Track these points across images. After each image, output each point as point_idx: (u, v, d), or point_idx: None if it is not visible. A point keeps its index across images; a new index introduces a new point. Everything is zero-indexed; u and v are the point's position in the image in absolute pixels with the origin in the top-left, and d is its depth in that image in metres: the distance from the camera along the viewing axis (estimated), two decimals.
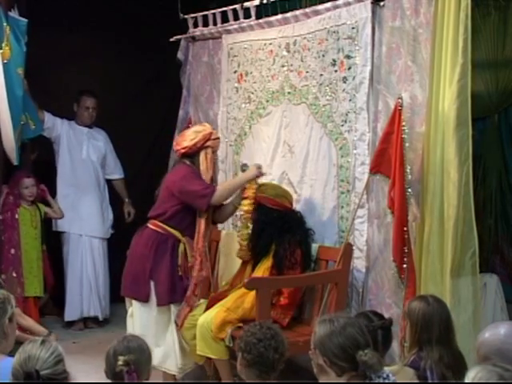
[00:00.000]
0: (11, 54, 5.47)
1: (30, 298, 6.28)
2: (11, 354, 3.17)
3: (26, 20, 5.63)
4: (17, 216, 6.23)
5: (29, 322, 4.68)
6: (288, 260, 5.01)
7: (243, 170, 5.26)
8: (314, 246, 5.23)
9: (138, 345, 3.04)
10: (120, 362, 2.87)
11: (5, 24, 5.46)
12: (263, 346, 3.05)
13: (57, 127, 6.63)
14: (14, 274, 6.12)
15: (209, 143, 5.03)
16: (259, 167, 5.16)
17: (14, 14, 5.66)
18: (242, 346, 3.11)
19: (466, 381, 2.47)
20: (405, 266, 4.53)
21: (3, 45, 5.44)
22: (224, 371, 4.90)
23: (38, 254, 6.35)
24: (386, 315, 4.04)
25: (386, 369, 2.96)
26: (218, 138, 5.18)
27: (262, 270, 5.04)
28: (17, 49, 5.49)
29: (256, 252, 5.11)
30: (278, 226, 5.05)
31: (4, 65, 5.43)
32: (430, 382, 3.34)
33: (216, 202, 4.98)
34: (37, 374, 2.62)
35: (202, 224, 4.99)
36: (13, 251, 6.16)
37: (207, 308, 5.03)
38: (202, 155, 5.02)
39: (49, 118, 6.49)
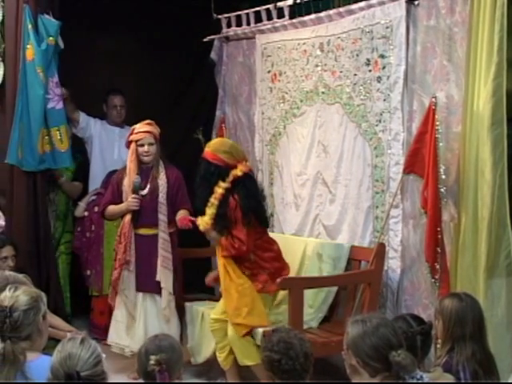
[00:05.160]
0: (34, 53, 5.53)
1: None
2: (43, 350, 3.21)
3: (57, 22, 5.67)
4: None
5: (57, 320, 4.73)
6: (224, 219, 4.92)
7: (134, 185, 5.38)
8: (347, 246, 5.22)
9: (169, 344, 3.03)
10: (152, 362, 2.86)
11: (29, 24, 5.52)
12: (285, 364, 3.02)
13: (90, 127, 6.65)
14: (96, 271, 6.37)
15: (131, 137, 5.50)
16: (134, 198, 5.36)
17: (49, 16, 5.71)
18: (269, 368, 3.10)
19: (510, 381, 2.44)
20: (438, 266, 4.50)
21: (28, 44, 5.52)
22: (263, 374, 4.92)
23: None
24: (423, 316, 4.02)
25: (426, 374, 2.93)
26: (142, 132, 5.46)
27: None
28: (37, 48, 5.54)
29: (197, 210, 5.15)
30: (214, 182, 4.93)
31: (27, 64, 5.51)
32: (465, 382, 3.31)
33: (108, 217, 5.67)
34: (77, 376, 2.62)
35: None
36: (95, 247, 6.40)
37: None
38: (130, 149, 5.51)
39: (83, 118, 6.53)
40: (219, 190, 4.89)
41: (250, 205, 4.89)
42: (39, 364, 2.99)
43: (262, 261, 4.99)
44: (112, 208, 5.52)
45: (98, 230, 6.42)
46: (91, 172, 6.74)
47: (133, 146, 5.47)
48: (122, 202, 5.46)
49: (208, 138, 5.27)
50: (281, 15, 6.05)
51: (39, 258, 5.82)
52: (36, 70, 5.54)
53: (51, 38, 5.63)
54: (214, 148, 5.02)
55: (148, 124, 5.51)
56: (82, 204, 6.46)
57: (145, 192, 5.41)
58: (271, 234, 5.94)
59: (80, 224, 6.49)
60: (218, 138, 6.43)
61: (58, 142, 5.79)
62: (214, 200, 4.91)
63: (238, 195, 4.88)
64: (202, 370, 5.42)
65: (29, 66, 5.55)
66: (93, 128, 6.68)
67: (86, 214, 6.44)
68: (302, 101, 5.86)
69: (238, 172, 4.92)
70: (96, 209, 6.43)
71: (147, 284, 5.36)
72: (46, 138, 5.70)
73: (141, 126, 5.50)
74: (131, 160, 5.45)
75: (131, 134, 5.51)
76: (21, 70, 5.58)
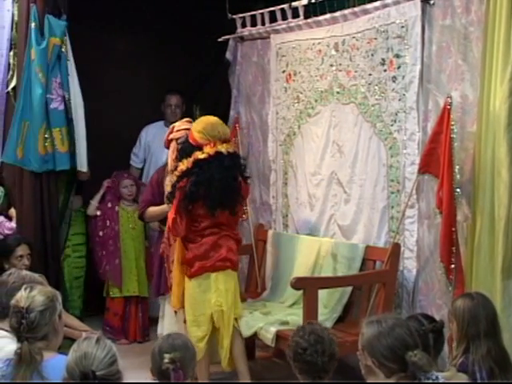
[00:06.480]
0: (35, 52, 5.54)
1: (133, 297, 6.43)
2: (59, 350, 3.22)
3: (64, 22, 5.67)
4: (117, 209, 6.45)
5: (72, 319, 4.74)
6: (172, 195, 4.96)
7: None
8: (362, 246, 5.21)
9: (182, 342, 3.05)
10: (166, 360, 2.87)
11: (33, 23, 5.53)
12: (309, 355, 3.05)
13: (141, 154, 6.98)
14: (114, 265, 6.37)
15: (171, 136, 5.39)
16: None
17: (58, 18, 5.71)
18: (291, 354, 3.14)
19: None
20: (453, 266, 4.48)
21: (32, 44, 5.53)
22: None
23: (137, 253, 6.47)
24: (437, 316, 4.01)
25: (440, 374, 2.92)
26: (183, 129, 5.31)
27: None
28: (36, 47, 5.55)
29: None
30: (179, 159, 4.98)
31: (31, 63, 5.52)
32: (480, 382, 3.30)
33: (147, 219, 5.66)
34: (93, 375, 2.63)
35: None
36: (111, 242, 6.41)
37: None
38: (170, 148, 5.39)
39: (138, 153, 6.99)
40: (181, 165, 4.92)
41: (196, 194, 4.83)
42: (55, 363, 3.00)
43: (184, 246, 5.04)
44: (153, 210, 5.48)
45: (114, 225, 6.41)
46: (144, 176, 6.87)
47: (174, 144, 5.34)
48: (162, 202, 5.37)
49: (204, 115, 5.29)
50: (295, 15, 6.04)
51: (47, 259, 5.82)
52: (35, 68, 5.55)
53: (56, 39, 5.63)
54: (193, 126, 5.09)
55: (188, 121, 5.42)
56: (94, 202, 6.44)
57: None
58: (286, 234, 5.99)
59: (92, 223, 6.49)
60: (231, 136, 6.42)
61: (60, 143, 5.69)
62: (176, 172, 4.95)
63: (190, 179, 4.84)
64: (216, 369, 5.41)
65: (32, 65, 5.56)
66: (143, 154, 6.99)
67: (98, 213, 6.43)
68: (316, 101, 5.85)
69: (200, 154, 4.88)
70: (109, 204, 6.43)
71: None
72: (48, 138, 5.67)
73: (181, 124, 5.41)
74: (173, 158, 5.29)
75: (171, 132, 5.41)
76: (25, 69, 5.57)
